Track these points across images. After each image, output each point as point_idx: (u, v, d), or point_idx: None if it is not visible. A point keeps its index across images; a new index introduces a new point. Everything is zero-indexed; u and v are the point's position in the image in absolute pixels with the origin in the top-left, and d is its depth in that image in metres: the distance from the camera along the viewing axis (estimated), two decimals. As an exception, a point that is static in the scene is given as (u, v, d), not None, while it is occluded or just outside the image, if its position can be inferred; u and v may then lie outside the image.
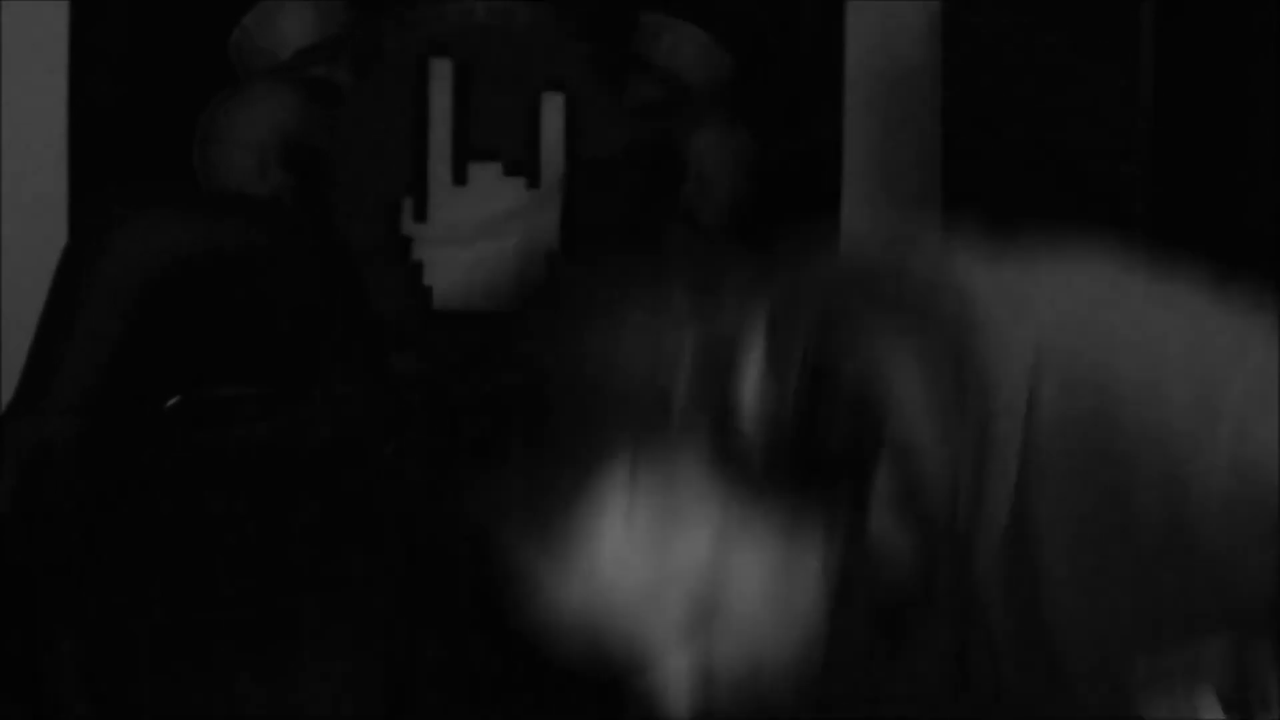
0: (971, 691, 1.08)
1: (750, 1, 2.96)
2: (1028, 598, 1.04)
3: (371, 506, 2.17)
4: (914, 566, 1.05)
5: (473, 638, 2.29)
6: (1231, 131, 2.49)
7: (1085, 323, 1.04)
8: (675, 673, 1.04)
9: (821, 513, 1.02)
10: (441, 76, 2.86)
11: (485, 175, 2.88)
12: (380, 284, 2.73)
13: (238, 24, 2.77)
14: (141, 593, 2.08)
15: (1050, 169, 2.55)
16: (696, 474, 1.01)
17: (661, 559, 1.01)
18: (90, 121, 2.73)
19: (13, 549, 2.02)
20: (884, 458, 1.02)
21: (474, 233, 2.88)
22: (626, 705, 1.05)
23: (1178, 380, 1.01)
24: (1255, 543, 0.99)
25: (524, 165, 2.89)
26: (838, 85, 3.00)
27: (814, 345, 1.01)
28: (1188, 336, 1.04)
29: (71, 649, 2.05)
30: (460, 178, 2.87)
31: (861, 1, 3.00)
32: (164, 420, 2.08)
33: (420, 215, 2.86)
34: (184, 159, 2.75)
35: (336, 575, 2.16)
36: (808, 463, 1.00)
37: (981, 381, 1.03)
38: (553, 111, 2.90)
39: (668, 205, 2.95)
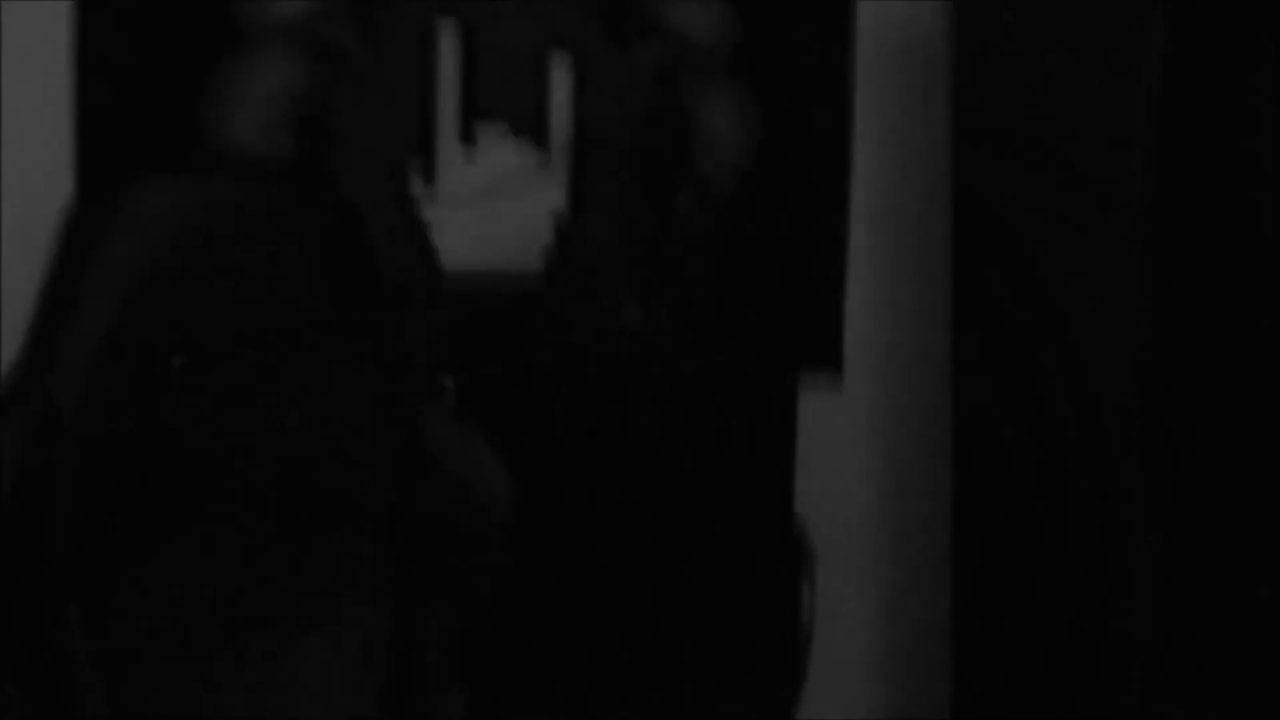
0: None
1: (759, -38, 2.92)
2: None
3: (381, 495, 2.18)
4: None
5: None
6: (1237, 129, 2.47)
7: None
8: None
9: None
10: (448, 36, 2.83)
11: (493, 135, 2.87)
12: (388, 245, 2.73)
13: (242, -14, 2.75)
14: (145, 584, 2.10)
15: (1054, 160, 2.53)
16: None
17: None
18: (93, 87, 2.73)
19: (18, 532, 2.04)
20: None
21: (482, 193, 2.87)
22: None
23: None
24: None
25: (531, 125, 2.87)
26: (848, 52, 2.97)
27: None
28: None
29: (84, 644, 2.07)
30: (468, 139, 2.86)
31: (872, -35, 2.97)
32: (169, 392, 2.09)
33: (428, 176, 2.85)
34: (190, 120, 2.74)
35: (341, 566, 2.18)
36: None
37: None
38: (560, 71, 2.88)
39: (676, 168, 2.93)
